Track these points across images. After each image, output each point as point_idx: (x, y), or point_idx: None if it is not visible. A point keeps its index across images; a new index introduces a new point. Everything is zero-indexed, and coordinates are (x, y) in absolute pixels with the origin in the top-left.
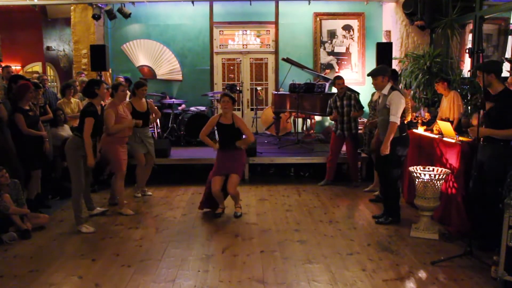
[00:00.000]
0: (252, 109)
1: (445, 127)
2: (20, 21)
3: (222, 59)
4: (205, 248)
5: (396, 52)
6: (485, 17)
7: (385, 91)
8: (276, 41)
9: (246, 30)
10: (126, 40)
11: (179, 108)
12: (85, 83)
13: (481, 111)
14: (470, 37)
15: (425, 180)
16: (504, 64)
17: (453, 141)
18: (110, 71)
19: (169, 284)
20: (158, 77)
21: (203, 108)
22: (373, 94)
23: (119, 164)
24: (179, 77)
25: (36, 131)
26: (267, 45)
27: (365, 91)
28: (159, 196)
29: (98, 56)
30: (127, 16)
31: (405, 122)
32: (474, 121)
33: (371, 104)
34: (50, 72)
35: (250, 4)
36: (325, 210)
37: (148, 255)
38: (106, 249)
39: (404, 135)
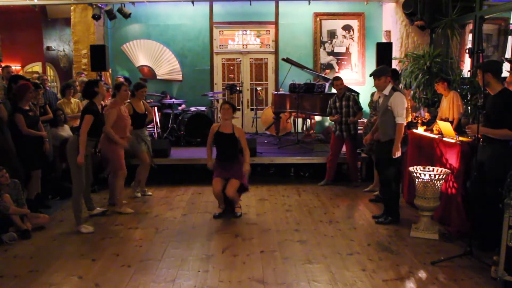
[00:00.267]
0: (252, 109)
1: (445, 127)
2: (20, 21)
3: (222, 59)
4: (205, 248)
5: (396, 52)
6: (485, 17)
7: (386, 91)
8: (276, 41)
9: (246, 30)
10: (126, 40)
11: (179, 108)
12: (84, 84)
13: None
14: (470, 37)
15: (425, 180)
16: (504, 64)
17: (453, 141)
18: (110, 71)
19: (169, 284)
20: (158, 77)
21: (203, 108)
22: (372, 94)
23: (120, 163)
24: (179, 77)
25: (36, 131)
26: (267, 45)
27: (365, 91)
28: (159, 196)
29: (98, 56)
30: (127, 16)
31: (411, 120)
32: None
33: (372, 104)
34: (50, 72)
35: (250, 4)
36: (325, 210)
37: (148, 255)
38: (106, 249)
39: (404, 135)
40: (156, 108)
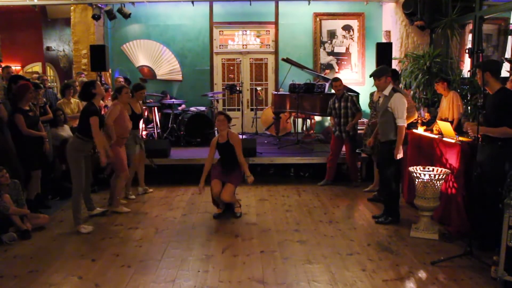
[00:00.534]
0: (252, 109)
1: (445, 127)
2: (20, 21)
3: (222, 59)
4: (205, 248)
5: (396, 52)
6: (485, 17)
7: (386, 92)
8: (276, 41)
9: (246, 30)
10: (126, 40)
11: (179, 108)
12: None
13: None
14: (470, 37)
15: (425, 180)
16: (504, 64)
17: (453, 141)
18: (110, 71)
19: (169, 284)
20: (158, 77)
21: (203, 108)
22: (372, 94)
23: (121, 164)
24: (179, 77)
25: (36, 131)
26: (267, 45)
27: (365, 91)
28: (159, 196)
29: (98, 56)
30: (127, 16)
31: (412, 120)
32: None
33: (372, 104)
34: (50, 72)
35: (250, 4)
36: (325, 210)
37: (148, 255)
38: (106, 250)
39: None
40: (156, 108)
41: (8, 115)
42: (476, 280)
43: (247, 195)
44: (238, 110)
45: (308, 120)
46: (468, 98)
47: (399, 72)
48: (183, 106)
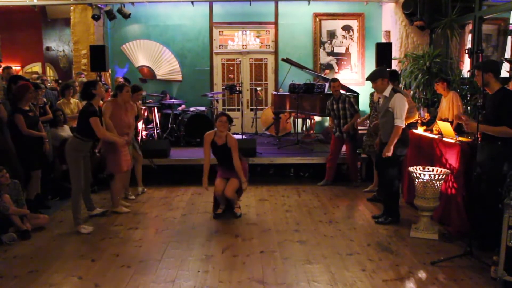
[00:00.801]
0: (251, 110)
1: (445, 127)
2: (20, 21)
3: (221, 59)
4: (205, 249)
5: (395, 52)
6: (485, 17)
7: (386, 93)
8: (276, 41)
9: (245, 31)
10: (125, 41)
11: (179, 108)
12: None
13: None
14: (469, 37)
15: (425, 180)
16: (503, 64)
17: (453, 141)
18: (110, 72)
19: (168, 284)
20: (157, 78)
21: (202, 108)
22: (372, 94)
23: (117, 165)
24: (179, 77)
25: (36, 131)
26: (266, 45)
27: (365, 91)
28: (159, 196)
29: (98, 56)
30: (126, 16)
31: (413, 121)
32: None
33: (373, 105)
34: (50, 72)
35: (250, 4)
36: (324, 210)
37: (148, 255)
38: (105, 250)
39: (404, 135)
40: (156, 108)
41: (8, 115)
42: (476, 280)
43: (247, 195)
44: (238, 110)
45: (308, 120)
46: (468, 98)
47: (399, 72)
48: (183, 106)
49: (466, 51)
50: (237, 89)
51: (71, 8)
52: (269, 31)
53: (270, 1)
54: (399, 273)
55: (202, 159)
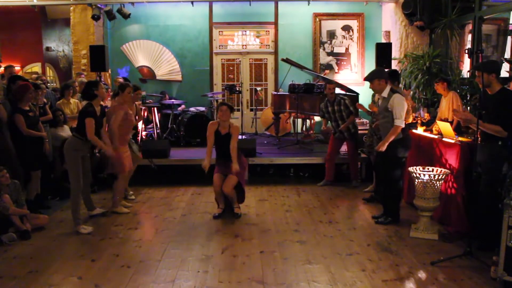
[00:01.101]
0: (251, 110)
1: (445, 127)
2: (20, 21)
3: (221, 59)
4: (205, 249)
5: (395, 52)
6: (485, 17)
7: (385, 93)
8: (276, 41)
9: (245, 31)
10: (125, 41)
11: (179, 108)
12: (84, 84)
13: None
14: (469, 37)
15: (425, 181)
16: (503, 64)
17: (453, 141)
18: (110, 72)
19: (168, 284)
20: (157, 78)
21: (202, 108)
22: (374, 95)
23: (121, 165)
24: (179, 77)
25: (36, 131)
26: (266, 45)
27: (365, 91)
28: (159, 196)
29: (98, 56)
30: (126, 16)
31: (406, 123)
32: None
33: (374, 105)
34: (50, 72)
35: (250, 4)
36: (324, 210)
37: (148, 255)
38: (105, 250)
39: (406, 137)
40: (155, 108)
41: (8, 115)
42: (476, 280)
43: (246, 195)
44: (238, 110)
45: (308, 120)
46: (468, 98)
47: (399, 73)
48: (183, 106)
49: (466, 51)
50: (237, 89)
51: (71, 8)
52: (269, 31)
53: (270, 1)
54: (399, 273)
55: (202, 159)
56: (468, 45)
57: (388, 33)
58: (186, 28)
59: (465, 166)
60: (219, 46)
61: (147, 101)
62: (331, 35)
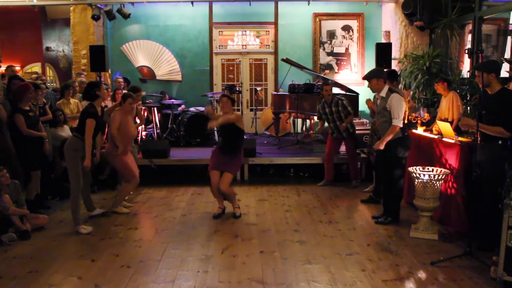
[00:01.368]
0: (251, 110)
1: (445, 127)
2: (20, 21)
3: (221, 59)
4: (205, 249)
5: (395, 52)
6: (485, 17)
7: (383, 93)
8: (276, 41)
9: (245, 31)
10: (125, 41)
11: (179, 108)
12: (84, 84)
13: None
14: (469, 37)
15: (425, 181)
16: (503, 64)
17: (453, 141)
18: (110, 72)
19: (168, 284)
20: (157, 78)
21: (202, 108)
22: (375, 95)
23: (129, 171)
24: (179, 77)
25: (36, 131)
26: (266, 45)
27: (365, 91)
28: (159, 196)
29: (98, 56)
30: (126, 16)
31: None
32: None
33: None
34: (50, 72)
35: (250, 4)
36: (324, 210)
37: (148, 255)
38: (105, 250)
39: (405, 136)
40: (155, 108)
41: (8, 115)
42: (476, 280)
43: (246, 195)
44: (238, 110)
45: (308, 121)
46: (468, 98)
47: (399, 73)
48: (183, 106)
49: (466, 51)
50: (237, 89)
51: (71, 8)
52: (269, 31)
53: (270, 1)
54: (399, 273)
55: (202, 159)
56: (468, 45)
57: (388, 33)
58: (186, 28)
59: (465, 166)
60: (219, 46)
61: (147, 101)
62: (331, 35)
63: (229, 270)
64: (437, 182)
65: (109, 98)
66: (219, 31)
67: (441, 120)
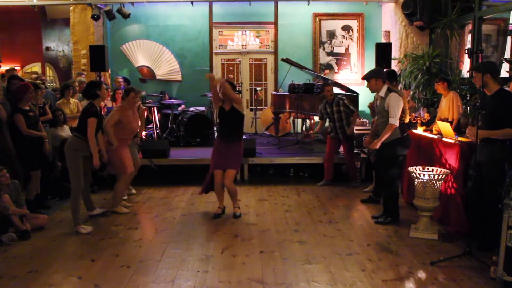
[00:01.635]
0: (251, 110)
1: (444, 127)
2: (20, 21)
3: (221, 59)
4: (205, 249)
5: (395, 52)
6: (485, 17)
7: (382, 93)
8: (276, 41)
9: (245, 31)
10: (125, 41)
11: (179, 108)
12: (84, 84)
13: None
14: (469, 37)
15: (425, 181)
16: (503, 64)
17: (452, 141)
18: (110, 72)
19: (168, 284)
20: (157, 78)
21: (202, 108)
22: (375, 96)
23: (122, 166)
24: (179, 77)
25: (36, 131)
26: (266, 45)
27: (365, 91)
28: (159, 196)
29: (98, 56)
30: (126, 16)
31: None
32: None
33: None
34: (50, 72)
35: (250, 4)
36: (324, 210)
37: (148, 255)
38: (105, 250)
39: (405, 136)
40: (155, 108)
41: (8, 115)
42: (476, 280)
43: (246, 195)
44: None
45: (308, 120)
46: (468, 98)
47: (399, 73)
48: (183, 106)
49: (466, 51)
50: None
51: (71, 8)
52: (268, 31)
53: (270, 1)
54: (399, 273)
55: (202, 159)
56: (468, 45)
57: (388, 33)
58: (186, 28)
59: (465, 166)
60: (219, 46)
61: (147, 101)
62: (331, 35)
63: (229, 270)
64: (437, 182)
65: (109, 98)
66: (219, 31)
67: (441, 120)
